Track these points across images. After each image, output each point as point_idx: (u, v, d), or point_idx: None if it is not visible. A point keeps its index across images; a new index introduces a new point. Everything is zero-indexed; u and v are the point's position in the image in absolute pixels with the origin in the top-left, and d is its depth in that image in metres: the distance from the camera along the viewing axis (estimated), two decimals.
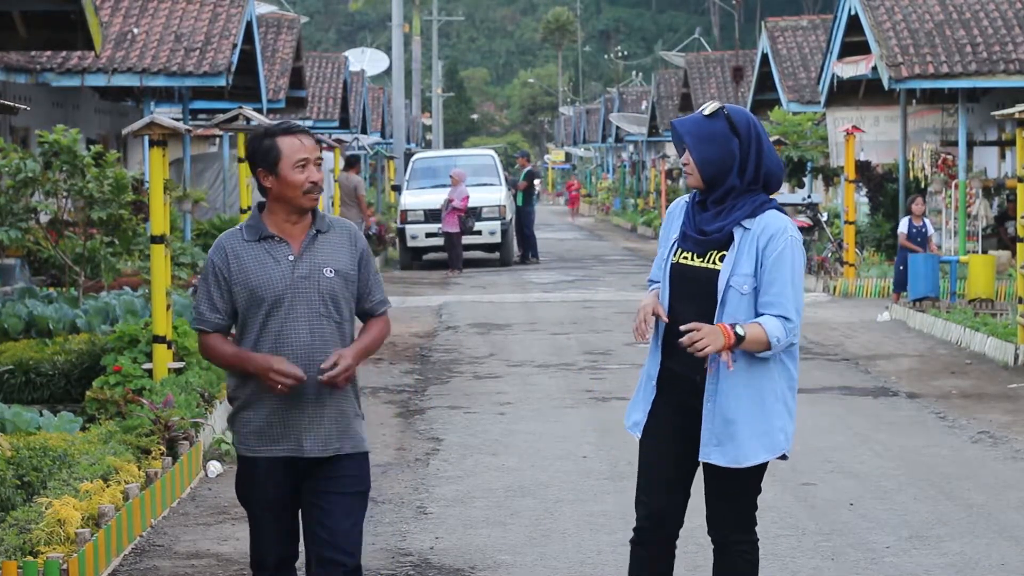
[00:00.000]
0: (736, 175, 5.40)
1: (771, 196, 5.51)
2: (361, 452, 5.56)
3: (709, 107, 5.47)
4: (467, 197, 28.86)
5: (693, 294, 5.41)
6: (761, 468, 5.53)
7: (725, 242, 5.40)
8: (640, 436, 5.58)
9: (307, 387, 5.41)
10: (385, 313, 5.67)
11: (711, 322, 5.31)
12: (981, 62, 23.78)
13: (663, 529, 5.58)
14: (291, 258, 5.46)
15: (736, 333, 5.27)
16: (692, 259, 5.45)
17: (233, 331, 5.61)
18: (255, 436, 5.49)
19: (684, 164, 5.47)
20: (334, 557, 5.46)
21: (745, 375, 5.38)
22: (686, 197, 5.62)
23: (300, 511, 5.58)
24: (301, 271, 5.45)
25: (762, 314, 5.36)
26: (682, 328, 5.28)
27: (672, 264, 5.50)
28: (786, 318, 5.35)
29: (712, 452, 5.42)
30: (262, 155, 5.47)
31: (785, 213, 5.49)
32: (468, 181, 30.57)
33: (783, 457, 5.58)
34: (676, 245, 5.51)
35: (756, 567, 5.58)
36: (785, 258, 5.36)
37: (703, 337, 5.23)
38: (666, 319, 5.40)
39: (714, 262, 5.41)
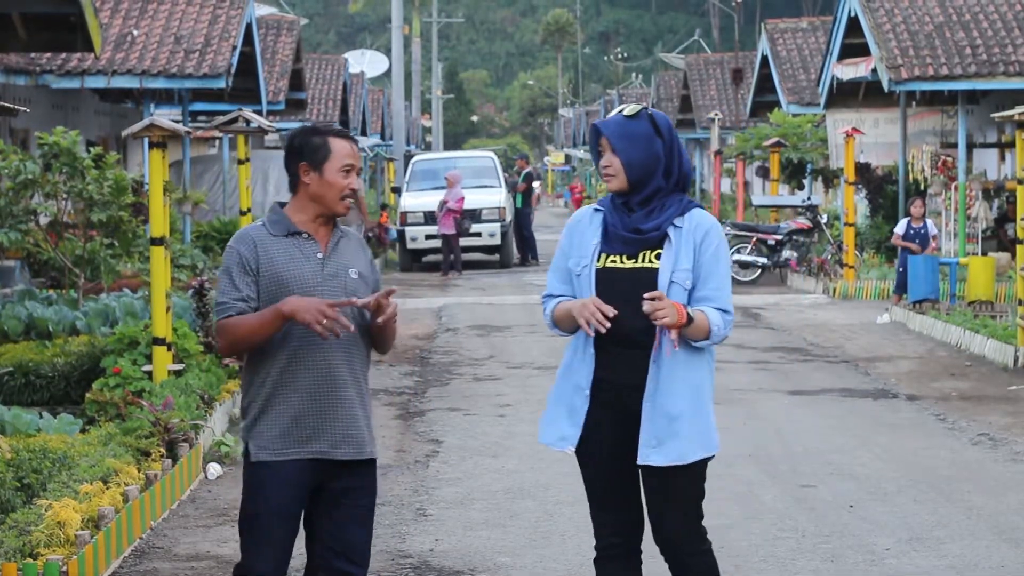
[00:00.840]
0: (662, 176, 5.38)
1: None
2: (374, 457, 5.50)
3: (629, 108, 5.41)
4: (462, 198, 28.85)
5: (627, 296, 5.28)
6: (703, 468, 5.42)
7: (658, 241, 5.36)
8: (571, 450, 5.46)
9: (335, 388, 5.32)
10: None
11: (649, 323, 5.23)
12: (981, 64, 23.78)
13: (628, 543, 5.52)
14: (320, 256, 5.39)
15: (689, 315, 5.24)
16: (623, 261, 5.38)
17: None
18: (280, 439, 5.31)
19: (605, 167, 5.39)
20: (348, 569, 5.37)
21: (683, 371, 5.33)
22: (592, 207, 5.54)
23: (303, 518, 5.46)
24: (329, 270, 5.39)
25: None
26: (645, 296, 5.19)
27: (599, 270, 5.39)
28: (725, 311, 5.34)
29: (651, 454, 5.32)
30: (311, 150, 5.41)
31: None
32: (468, 183, 30.58)
33: (710, 457, 5.44)
34: (598, 251, 5.41)
35: (716, 569, 5.48)
36: (721, 254, 5.38)
37: (665, 307, 5.17)
38: (613, 313, 5.23)
39: (650, 261, 5.35)
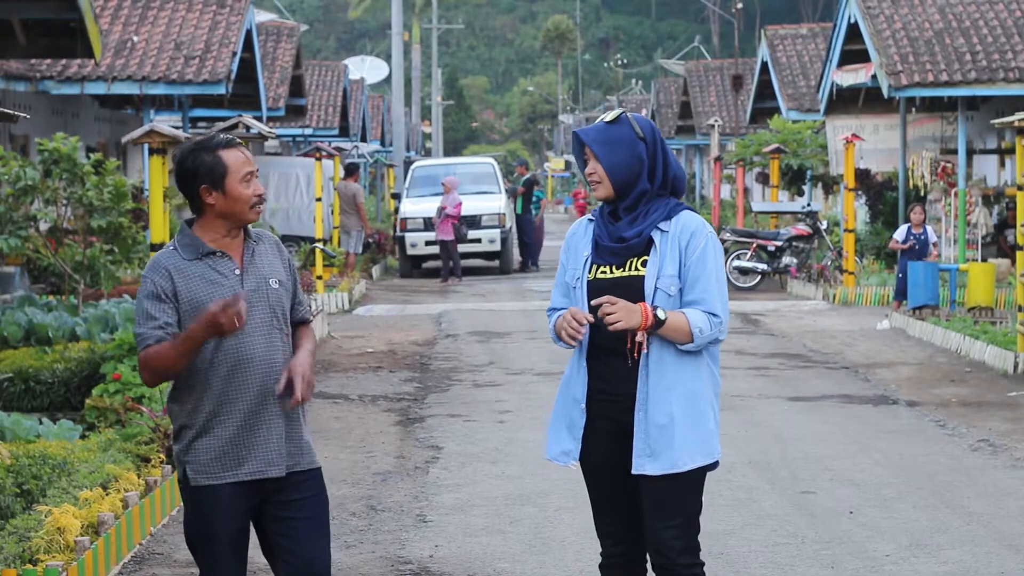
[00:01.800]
0: (646, 179, 5.33)
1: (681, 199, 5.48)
2: (317, 467, 5.40)
3: (611, 114, 5.39)
4: (460, 204, 28.86)
5: None
6: (700, 478, 5.35)
7: (644, 248, 5.32)
8: (575, 465, 5.45)
9: (266, 404, 5.24)
10: (311, 321, 5.56)
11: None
12: (981, 70, 23.80)
13: (630, 552, 5.49)
14: (237, 272, 5.28)
15: (656, 315, 5.19)
16: (611, 271, 5.36)
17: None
18: (216, 462, 5.23)
19: (590, 174, 5.37)
20: None
21: (674, 377, 5.27)
22: (587, 217, 5.52)
23: (256, 539, 5.40)
24: (249, 284, 5.27)
25: None
26: (594, 303, 5.19)
27: (589, 281, 5.37)
28: (712, 313, 5.26)
29: (645, 463, 5.27)
30: (207, 170, 5.25)
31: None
32: (468, 189, 30.60)
33: (714, 465, 5.38)
34: (589, 262, 5.39)
35: None
36: (708, 255, 5.30)
37: (616, 311, 5.15)
38: (591, 319, 5.22)
39: (636, 268, 5.32)
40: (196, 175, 5.27)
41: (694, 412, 5.30)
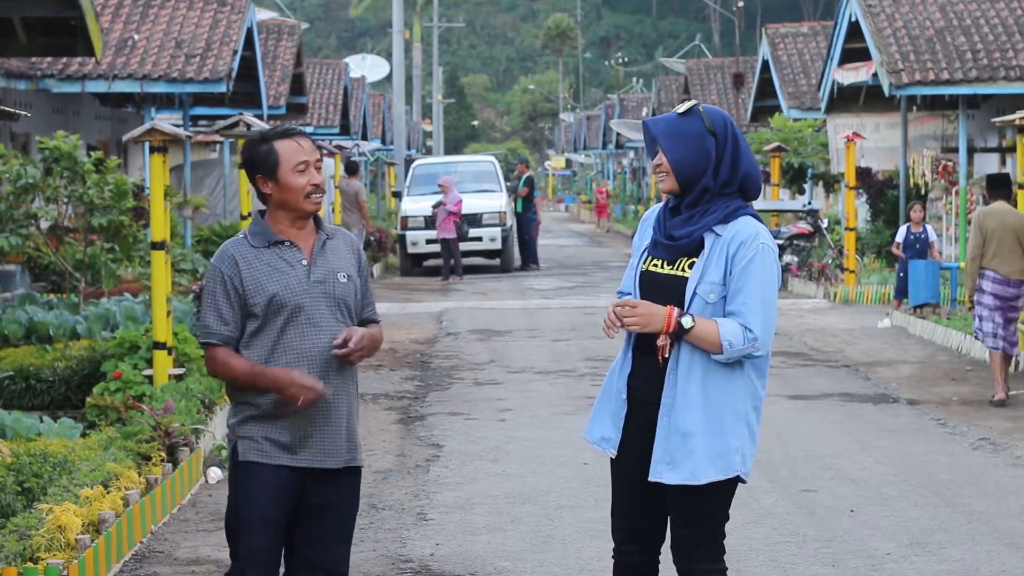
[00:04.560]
0: (711, 176, 5.15)
1: (750, 202, 5.29)
2: (361, 466, 5.48)
3: (684, 106, 5.22)
4: (460, 201, 28.85)
5: (662, 303, 5.13)
6: (723, 491, 5.20)
7: (696, 248, 5.17)
8: (613, 453, 5.31)
9: (330, 399, 5.31)
10: (380, 322, 5.58)
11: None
12: (981, 69, 23.79)
13: (644, 549, 5.37)
14: (305, 263, 5.32)
15: (680, 322, 5.07)
16: (662, 266, 5.23)
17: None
18: (270, 442, 5.29)
19: (657, 166, 5.22)
20: None
21: (701, 386, 5.11)
22: (663, 203, 5.37)
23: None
24: (316, 275, 5.32)
25: None
26: (615, 305, 5.13)
27: (641, 272, 5.28)
28: (748, 328, 5.08)
29: (663, 471, 5.15)
30: (260, 161, 5.33)
31: (761, 221, 5.26)
32: (469, 187, 30.60)
33: (740, 481, 5.21)
34: (647, 252, 5.29)
35: None
36: (754, 267, 5.10)
37: (634, 315, 5.07)
38: (633, 304, 5.10)
39: (683, 269, 5.18)
40: (252, 165, 5.36)
41: (719, 424, 5.13)
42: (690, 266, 5.18)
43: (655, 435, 5.20)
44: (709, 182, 5.16)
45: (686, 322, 5.07)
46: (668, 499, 5.23)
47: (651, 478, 5.17)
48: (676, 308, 5.10)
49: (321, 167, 5.46)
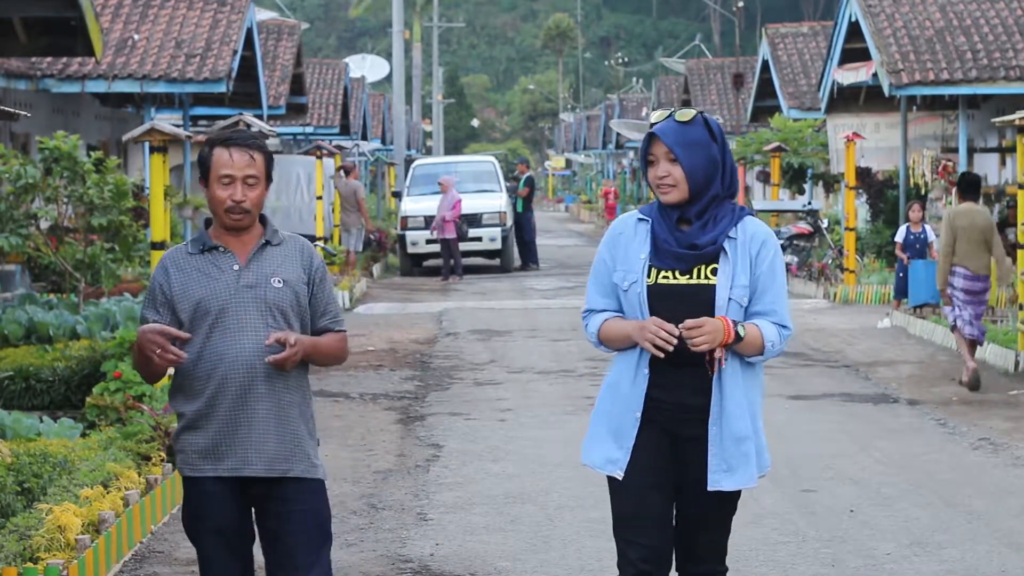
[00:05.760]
0: (719, 183, 5.13)
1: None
2: (314, 479, 5.28)
3: (683, 113, 5.14)
4: (459, 202, 28.84)
5: (682, 314, 5.03)
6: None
7: (713, 255, 5.10)
8: (621, 474, 5.18)
9: (255, 404, 5.18)
10: (343, 332, 5.41)
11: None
12: (981, 69, 23.79)
13: (663, 567, 5.28)
14: (236, 268, 5.23)
15: (737, 333, 5.02)
16: (676, 277, 5.12)
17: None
18: (199, 455, 5.21)
19: (662, 177, 5.11)
20: None
21: (743, 390, 5.12)
22: (635, 215, 5.25)
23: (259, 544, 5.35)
24: (246, 280, 5.21)
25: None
26: (681, 327, 4.98)
27: (651, 287, 5.12)
28: (783, 326, 5.16)
29: (722, 479, 5.14)
30: (201, 162, 5.27)
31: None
32: (469, 187, 30.61)
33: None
34: (648, 265, 5.14)
35: None
36: (777, 265, 5.17)
37: (703, 333, 4.96)
38: (677, 333, 4.99)
39: (706, 276, 5.10)
40: (198, 165, 5.31)
41: (757, 425, 5.20)
42: (712, 272, 5.12)
43: (686, 442, 5.15)
44: (718, 189, 5.14)
45: (742, 331, 5.05)
46: (696, 508, 5.23)
47: (710, 487, 5.14)
48: (729, 319, 5.05)
49: (254, 184, 5.24)
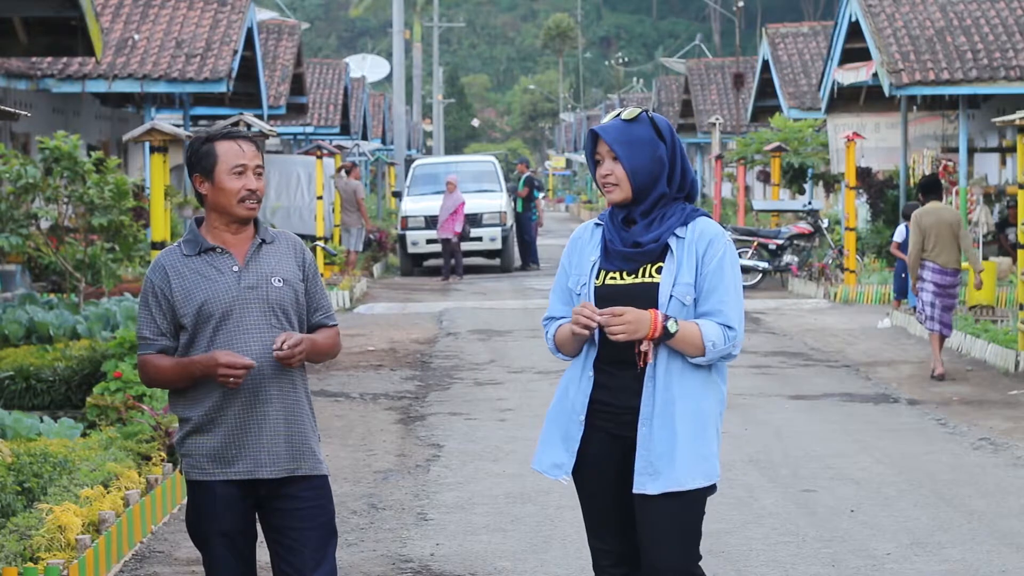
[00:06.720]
0: (665, 182, 5.04)
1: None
2: (319, 475, 5.30)
3: (628, 111, 5.08)
4: (463, 203, 28.85)
5: None
6: (701, 498, 5.06)
7: (659, 254, 5.03)
8: (566, 479, 5.13)
9: (265, 406, 5.19)
10: (336, 327, 5.42)
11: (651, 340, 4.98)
12: (982, 69, 23.80)
13: (629, 568, 5.23)
14: (236, 269, 5.21)
15: (666, 326, 4.91)
16: (622, 277, 5.06)
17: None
18: (209, 459, 5.21)
19: (605, 176, 5.06)
20: None
21: (681, 392, 4.99)
22: (592, 221, 5.21)
23: (263, 546, 5.34)
24: (247, 281, 5.21)
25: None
26: (599, 315, 4.91)
27: (597, 287, 5.07)
28: (728, 326, 4.99)
29: (647, 482, 4.98)
30: (199, 159, 5.24)
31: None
32: (469, 187, 30.64)
33: (713, 488, 5.08)
34: (597, 267, 5.09)
35: None
36: (726, 264, 5.02)
37: (622, 323, 4.88)
38: (600, 315, 4.92)
39: (651, 275, 5.03)
40: (191, 164, 5.28)
41: (699, 430, 5.01)
42: (657, 270, 5.05)
43: (629, 445, 5.06)
44: (664, 189, 5.06)
45: (671, 327, 4.94)
46: (642, 514, 5.06)
47: (635, 490, 5.02)
48: (659, 312, 4.97)
49: (261, 174, 5.31)
